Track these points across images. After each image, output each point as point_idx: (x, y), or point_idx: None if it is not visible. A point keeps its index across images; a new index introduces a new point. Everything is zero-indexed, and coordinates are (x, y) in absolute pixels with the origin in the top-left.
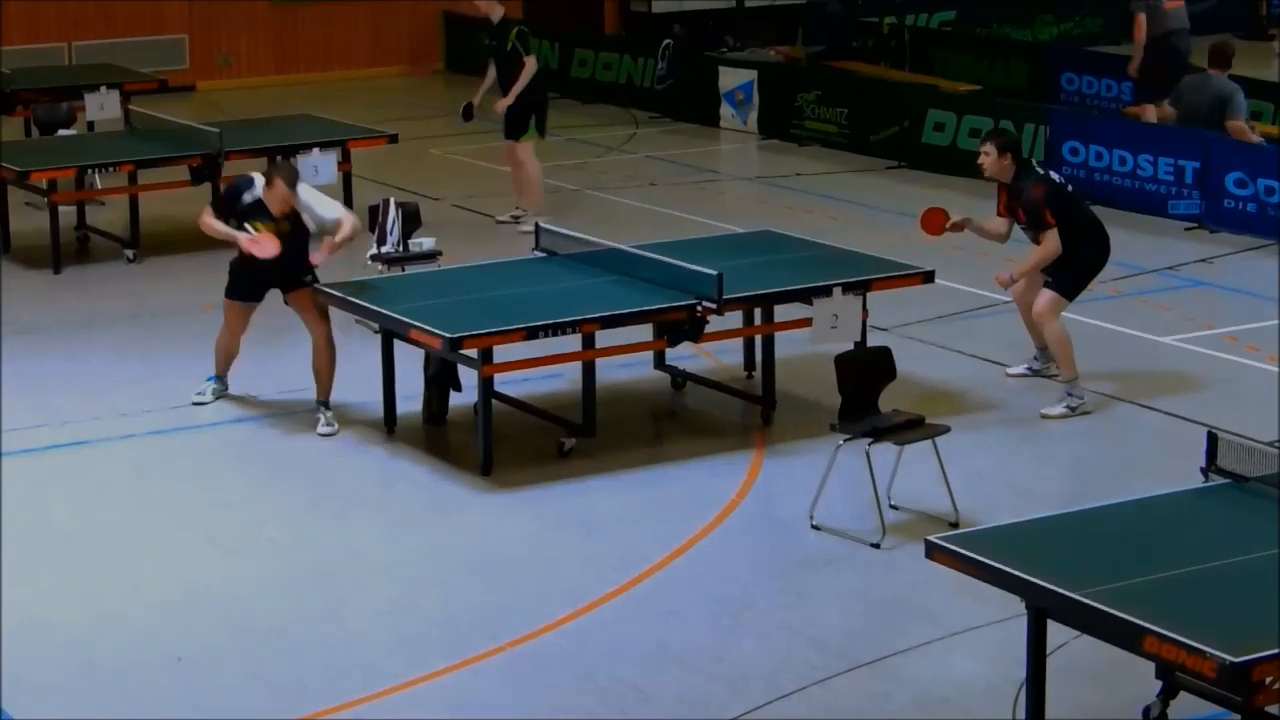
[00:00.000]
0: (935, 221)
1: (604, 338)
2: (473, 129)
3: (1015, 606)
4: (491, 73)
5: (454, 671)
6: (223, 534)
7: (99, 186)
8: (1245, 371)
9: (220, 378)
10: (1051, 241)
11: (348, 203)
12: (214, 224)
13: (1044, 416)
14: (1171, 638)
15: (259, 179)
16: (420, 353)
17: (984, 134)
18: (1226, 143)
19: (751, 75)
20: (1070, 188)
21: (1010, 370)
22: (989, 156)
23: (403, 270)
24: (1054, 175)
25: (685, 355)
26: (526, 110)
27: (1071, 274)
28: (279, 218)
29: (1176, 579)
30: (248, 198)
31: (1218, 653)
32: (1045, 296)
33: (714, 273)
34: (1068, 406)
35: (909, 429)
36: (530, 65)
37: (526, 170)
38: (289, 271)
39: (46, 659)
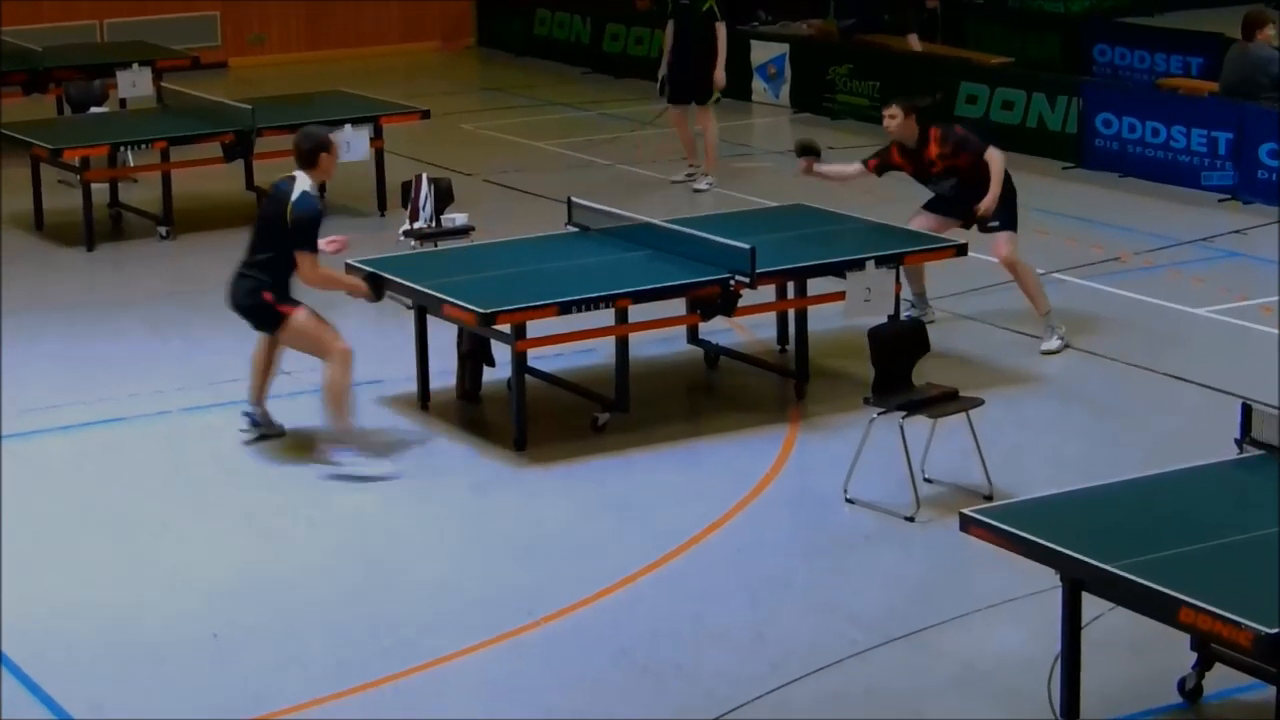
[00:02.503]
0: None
1: (637, 312)
2: (502, 104)
3: (1050, 579)
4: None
5: (490, 647)
6: (260, 512)
7: (131, 164)
8: None
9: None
10: (998, 155)
11: (380, 179)
12: (335, 275)
13: (1044, 353)
14: (1207, 609)
15: (298, 175)
16: (454, 328)
17: (888, 100)
18: (1260, 113)
19: (783, 49)
20: None
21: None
22: (895, 119)
23: (436, 246)
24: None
25: (718, 330)
26: (710, 74)
27: (1009, 209)
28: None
29: (1212, 550)
30: (316, 204)
31: (1254, 624)
32: (1004, 239)
33: (747, 247)
34: (1059, 338)
35: (943, 402)
36: (722, 31)
37: (709, 134)
38: None
39: (85, 639)
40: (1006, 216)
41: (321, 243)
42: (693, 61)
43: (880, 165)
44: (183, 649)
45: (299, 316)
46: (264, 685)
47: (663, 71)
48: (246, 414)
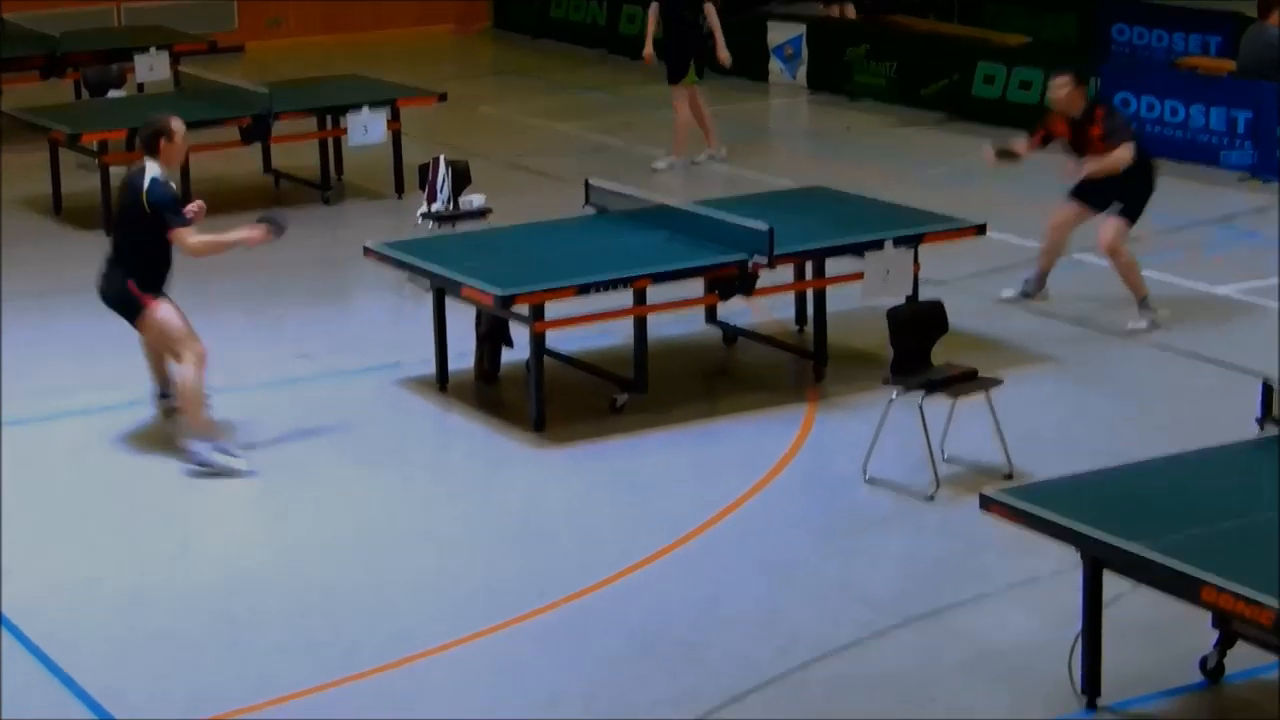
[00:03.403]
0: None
1: (655, 293)
2: (519, 86)
3: (1070, 559)
4: (654, 19)
5: (504, 629)
6: (273, 494)
7: None
8: None
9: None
10: (1127, 152)
11: (397, 162)
12: (217, 238)
13: (1129, 331)
14: (1229, 588)
15: (146, 164)
16: (472, 310)
17: (1056, 70)
18: (1279, 92)
19: (800, 30)
20: None
21: (1005, 293)
22: (1064, 89)
23: (453, 228)
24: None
25: (737, 310)
26: (688, 54)
27: (1138, 201)
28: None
29: (1233, 529)
30: (169, 187)
31: (1275, 602)
32: (1112, 224)
33: (765, 227)
34: (1149, 320)
35: (962, 382)
36: (712, 11)
37: (680, 113)
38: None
39: (98, 619)
40: (1132, 205)
41: (251, 234)
42: (673, 43)
43: (1044, 137)
44: (191, 631)
45: (159, 310)
46: (271, 668)
47: (648, 51)
48: (162, 396)
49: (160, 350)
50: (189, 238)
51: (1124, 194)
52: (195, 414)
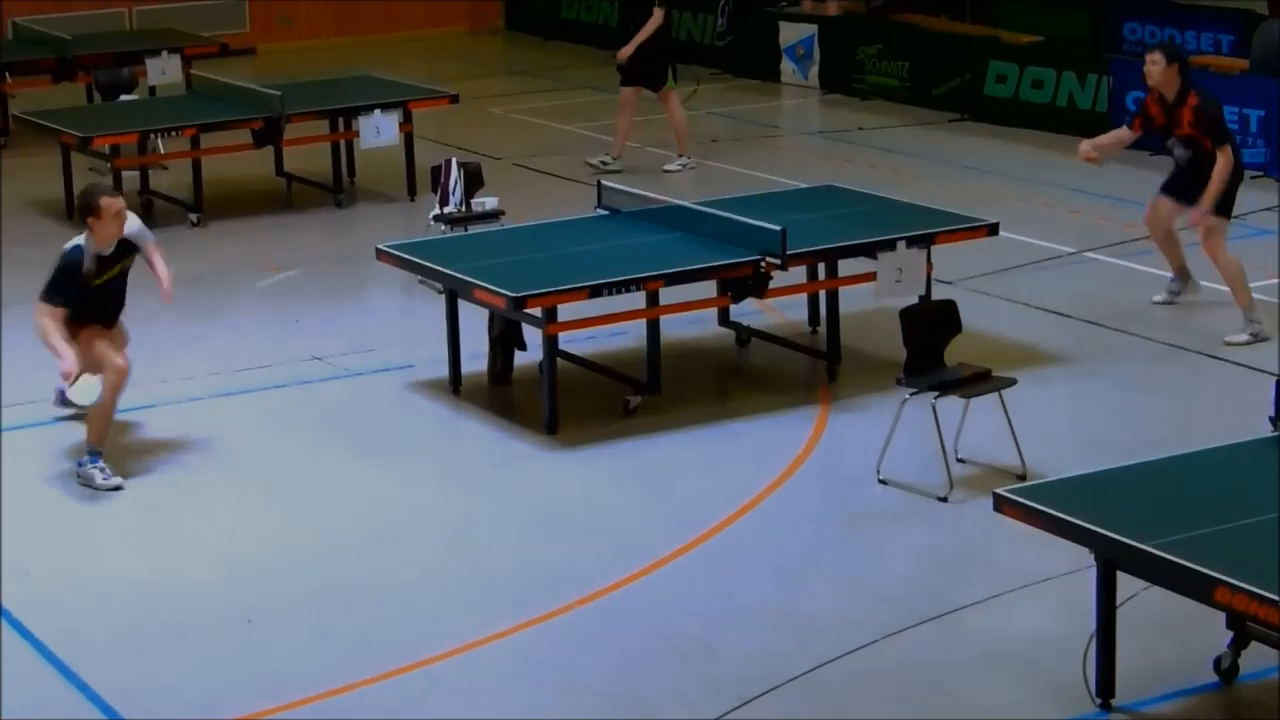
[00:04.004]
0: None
1: (668, 294)
2: (530, 87)
3: (1084, 559)
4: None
5: (522, 629)
6: (289, 493)
7: (162, 151)
8: None
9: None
10: (1228, 157)
11: (409, 164)
12: (50, 336)
13: (1227, 344)
14: (1243, 588)
15: (80, 237)
16: (485, 312)
17: (1149, 46)
18: None
19: (812, 30)
20: None
21: (1155, 298)
22: (1157, 65)
23: (466, 230)
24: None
25: (749, 311)
26: (665, 59)
27: (1225, 199)
28: (117, 256)
29: (1247, 529)
30: (85, 262)
31: None
32: (1219, 225)
33: (777, 228)
34: (1251, 333)
35: (975, 382)
36: (657, 16)
37: (675, 117)
38: (116, 307)
39: (108, 619)
40: (1220, 206)
41: (60, 363)
42: (656, 50)
43: (1143, 120)
44: (209, 627)
45: (46, 320)
46: (289, 665)
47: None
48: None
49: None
50: (40, 314)
51: (1224, 192)
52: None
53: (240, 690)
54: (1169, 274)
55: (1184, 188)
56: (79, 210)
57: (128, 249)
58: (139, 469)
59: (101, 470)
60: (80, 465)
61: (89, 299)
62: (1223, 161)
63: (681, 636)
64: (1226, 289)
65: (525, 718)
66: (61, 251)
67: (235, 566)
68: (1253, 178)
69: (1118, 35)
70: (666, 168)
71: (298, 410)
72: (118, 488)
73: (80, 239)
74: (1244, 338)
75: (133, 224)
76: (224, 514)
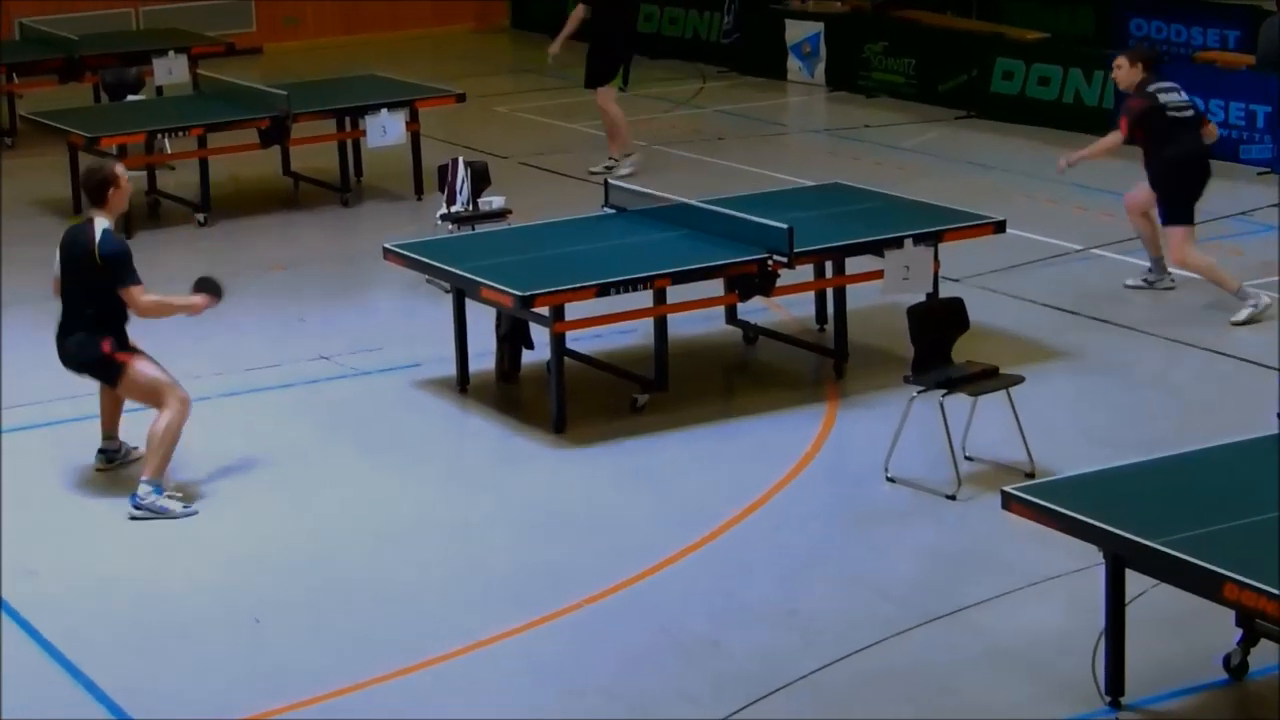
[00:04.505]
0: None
1: (675, 293)
2: (536, 86)
3: (1092, 556)
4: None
5: (528, 629)
6: (294, 492)
7: (168, 151)
8: None
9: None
10: (1110, 138)
11: (416, 163)
12: (168, 301)
13: (1232, 324)
14: (1251, 585)
15: (98, 224)
16: (492, 311)
17: (1116, 53)
18: None
19: (818, 27)
20: (1185, 113)
21: (1127, 282)
22: (1121, 69)
23: (473, 229)
24: (1163, 96)
25: (756, 309)
26: (615, 59)
27: (1181, 206)
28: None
29: (1255, 526)
30: (121, 240)
31: None
32: (1174, 236)
33: (784, 226)
34: (1251, 305)
35: (983, 379)
36: (579, 11)
37: (611, 112)
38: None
39: (118, 614)
40: (1176, 212)
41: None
42: (591, 47)
43: (1129, 121)
44: (214, 626)
45: (139, 367)
46: (295, 664)
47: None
48: (102, 450)
49: (142, 402)
50: (141, 296)
51: (1162, 200)
52: (162, 459)
53: (245, 689)
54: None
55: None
56: (95, 186)
57: None
58: (138, 468)
59: (167, 500)
60: (138, 500)
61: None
62: (1110, 138)
63: (688, 635)
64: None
65: (530, 717)
66: (103, 244)
67: (240, 566)
68: (1259, 174)
69: (1123, 31)
70: (620, 172)
71: (304, 409)
72: (194, 513)
73: (103, 224)
74: (1245, 314)
75: None
76: (229, 513)
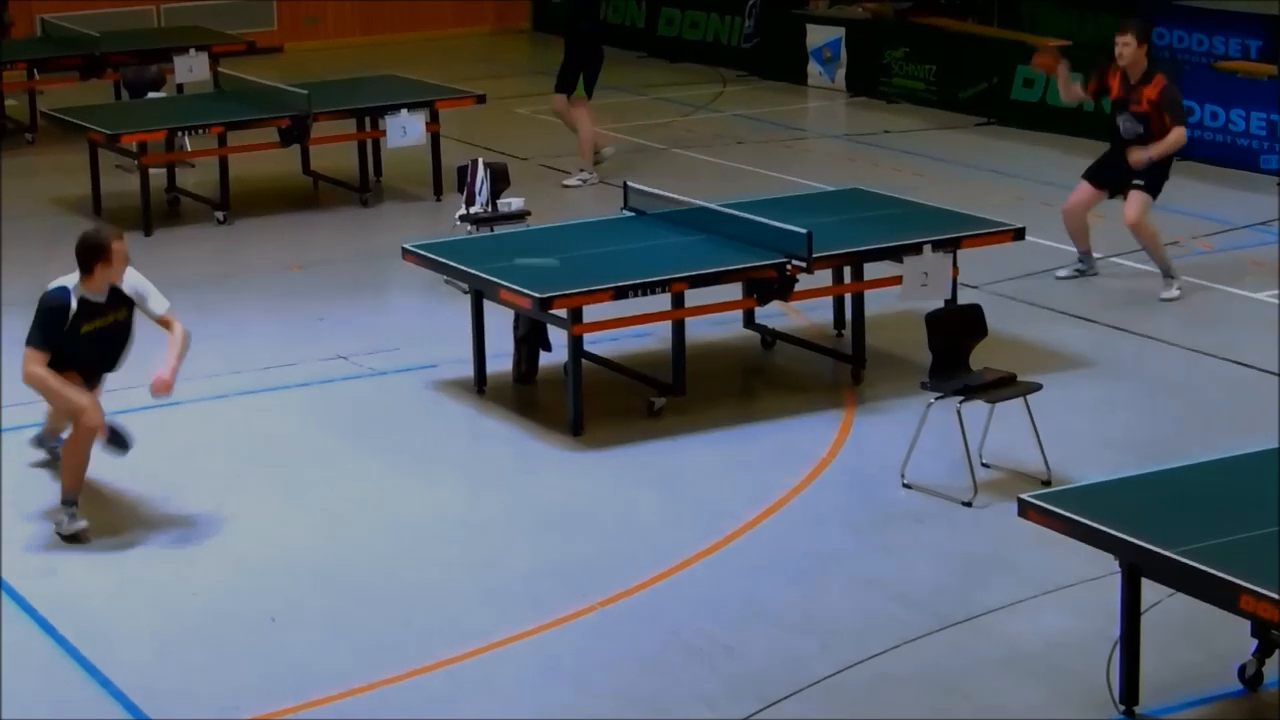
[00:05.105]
0: (1048, 61)
1: (693, 296)
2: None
3: (1108, 564)
4: None
5: (544, 630)
6: (311, 492)
7: (188, 149)
8: None
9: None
10: (1182, 133)
11: (436, 164)
12: (50, 384)
13: (1163, 300)
14: (1267, 595)
15: (67, 279)
16: (510, 312)
17: (1121, 26)
18: None
19: (839, 32)
20: None
21: (1059, 273)
22: (1129, 47)
23: (492, 230)
24: None
25: (774, 313)
26: (579, 67)
27: (1162, 180)
28: (108, 306)
29: (1272, 536)
30: (72, 305)
31: None
32: (1136, 199)
33: (803, 230)
34: (1178, 287)
35: (1000, 386)
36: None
37: (583, 123)
38: (101, 363)
39: (135, 613)
40: (1154, 181)
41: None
42: (567, 54)
43: (1097, 89)
44: (231, 626)
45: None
46: (312, 664)
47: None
48: (44, 445)
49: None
50: (31, 362)
51: (1145, 172)
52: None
53: (262, 689)
54: (1090, 254)
55: (1105, 176)
56: (85, 253)
57: (121, 301)
58: (161, 468)
59: (71, 515)
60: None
61: (75, 347)
62: (1177, 134)
63: (703, 638)
64: (1254, 296)
65: (546, 718)
66: (45, 293)
67: (255, 564)
68: (1279, 184)
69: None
70: (565, 182)
71: (321, 409)
72: (78, 534)
73: (66, 280)
74: (1175, 292)
75: (132, 278)
76: (245, 512)
